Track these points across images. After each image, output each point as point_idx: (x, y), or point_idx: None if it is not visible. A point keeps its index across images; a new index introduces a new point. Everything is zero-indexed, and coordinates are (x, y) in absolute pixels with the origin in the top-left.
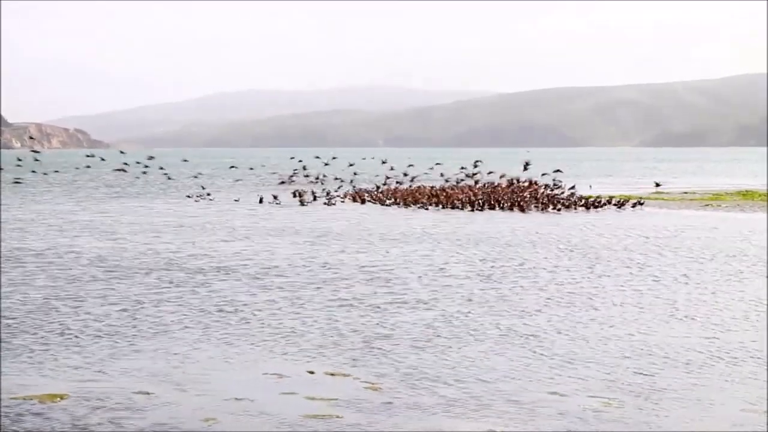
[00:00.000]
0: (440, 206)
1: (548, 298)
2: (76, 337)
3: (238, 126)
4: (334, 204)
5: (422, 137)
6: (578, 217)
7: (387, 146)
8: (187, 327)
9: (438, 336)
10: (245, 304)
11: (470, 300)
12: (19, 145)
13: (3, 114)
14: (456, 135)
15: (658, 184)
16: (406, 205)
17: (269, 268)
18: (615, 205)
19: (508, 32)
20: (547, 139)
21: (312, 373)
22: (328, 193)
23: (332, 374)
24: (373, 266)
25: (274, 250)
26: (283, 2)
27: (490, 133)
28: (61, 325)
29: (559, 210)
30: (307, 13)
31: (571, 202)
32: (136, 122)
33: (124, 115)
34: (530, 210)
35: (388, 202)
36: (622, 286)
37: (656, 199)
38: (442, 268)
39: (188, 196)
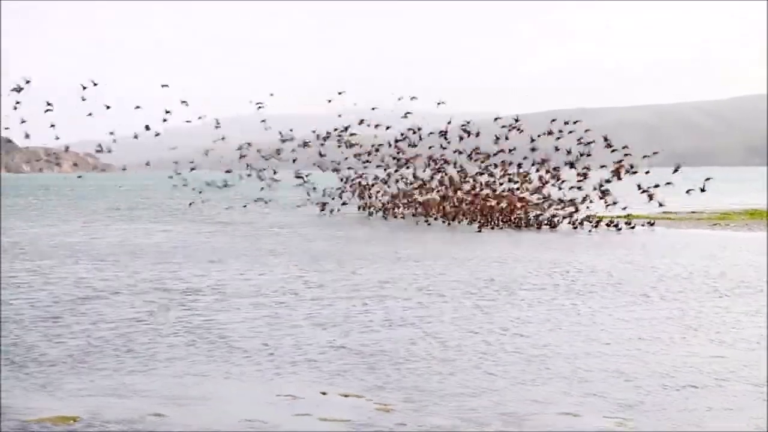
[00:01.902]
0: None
1: (545, 319)
2: (80, 358)
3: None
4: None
5: None
6: (581, 236)
7: None
8: (192, 348)
9: (443, 356)
10: (249, 324)
11: (466, 319)
12: (28, 169)
13: (13, 138)
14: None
15: (661, 204)
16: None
17: (265, 288)
18: (617, 226)
19: (514, 53)
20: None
21: (324, 394)
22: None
23: (345, 395)
24: (367, 286)
25: (270, 271)
26: (282, 14)
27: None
28: (63, 346)
29: (575, 225)
30: (309, 21)
31: (575, 221)
32: (146, 146)
33: (135, 139)
34: (528, 228)
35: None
36: (617, 307)
37: (664, 218)
38: (432, 287)
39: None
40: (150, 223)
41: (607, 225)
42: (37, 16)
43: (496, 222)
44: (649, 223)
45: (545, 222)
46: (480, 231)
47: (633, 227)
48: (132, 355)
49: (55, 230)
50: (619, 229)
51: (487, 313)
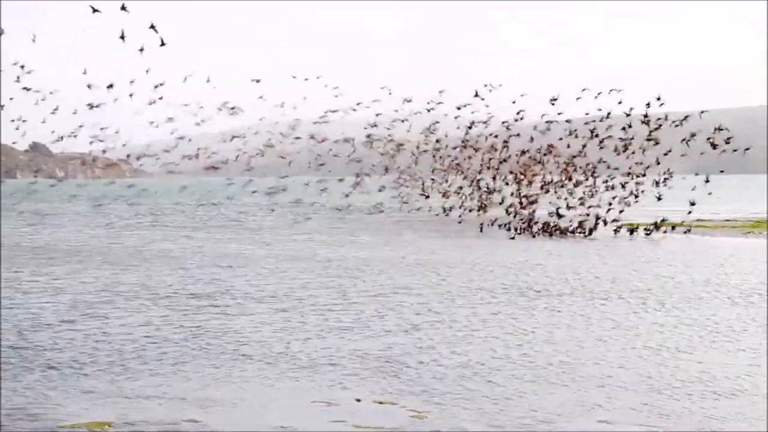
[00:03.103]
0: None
1: (569, 325)
2: (110, 362)
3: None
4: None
5: None
6: (615, 244)
7: None
8: (219, 353)
9: (469, 361)
10: (274, 329)
11: (492, 324)
12: (63, 174)
13: (48, 144)
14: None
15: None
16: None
17: (298, 294)
18: (646, 232)
19: (514, 53)
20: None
21: (359, 400)
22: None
23: (380, 402)
24: (395, 292)
25: (301, 278)
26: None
27: None
28: (92, 350)
29: (622, 234)
30: (309, 21)
31: (615, 228)
32: (176, 152)
33: (166, 145)
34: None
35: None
36: (641, 314)
37: (699, 226)
38: (458, 292)
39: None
40: (173, 229)
41: (645, 233)
42: (37, 16)
43: (532, 230)
44: (684, 231)
45: (578, 229)
46: (513, 238)
47: (671, 229)
48: (160, 359)
49: (83, 236)
50: (654, 237)
51: (512, 318)
